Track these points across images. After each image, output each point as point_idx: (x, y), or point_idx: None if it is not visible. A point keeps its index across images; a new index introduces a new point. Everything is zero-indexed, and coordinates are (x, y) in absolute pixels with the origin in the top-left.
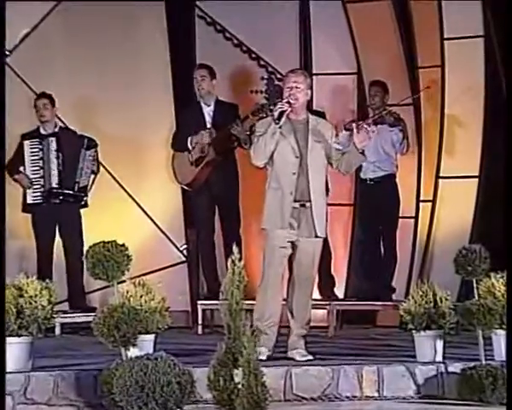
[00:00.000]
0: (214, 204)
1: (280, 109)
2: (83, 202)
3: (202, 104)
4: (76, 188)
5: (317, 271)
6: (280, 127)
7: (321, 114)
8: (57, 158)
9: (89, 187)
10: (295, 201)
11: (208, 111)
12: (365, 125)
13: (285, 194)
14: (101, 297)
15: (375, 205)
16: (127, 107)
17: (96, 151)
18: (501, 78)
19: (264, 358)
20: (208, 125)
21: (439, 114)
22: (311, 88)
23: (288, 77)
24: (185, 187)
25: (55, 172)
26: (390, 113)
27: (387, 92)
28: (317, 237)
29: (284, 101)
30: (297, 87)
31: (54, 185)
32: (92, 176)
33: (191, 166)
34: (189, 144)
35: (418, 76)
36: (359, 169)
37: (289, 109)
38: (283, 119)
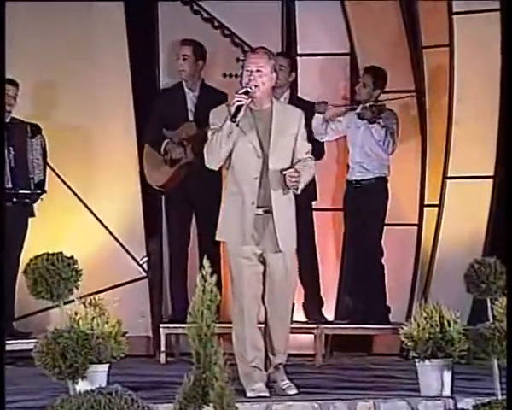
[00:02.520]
0: (191, 211)
1: (237, 103)
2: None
3: (185, 88)
4: (32, 185)
5: (294, 288)
6: (237, 125)
7: (309, 104)
8: (9, 153)
9: (44, 182)
10: (258, 207)
11: (192, 97)
12: (290, 174)
13: (246, 202)
14: (43, 320)
15: (361, 211)
16: (78, 95)
17: (41, 137)
18: None
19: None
20: (190, 116)
21: (446, 101)
22: (276, 70)
23: (247, 58)
24: (158, 189)
25: (6, 170)
26: (371, 106)
27: (380, 87)
28: (281, 251)
29: (241, 91)
30: (258, 70)
31: (6, 186)
32: (43, 167)
33: (165, 165)
34: (162, 149)
35: (422, 57)
36: (347, 170)
37: (248, 101)
38: (241, 114)
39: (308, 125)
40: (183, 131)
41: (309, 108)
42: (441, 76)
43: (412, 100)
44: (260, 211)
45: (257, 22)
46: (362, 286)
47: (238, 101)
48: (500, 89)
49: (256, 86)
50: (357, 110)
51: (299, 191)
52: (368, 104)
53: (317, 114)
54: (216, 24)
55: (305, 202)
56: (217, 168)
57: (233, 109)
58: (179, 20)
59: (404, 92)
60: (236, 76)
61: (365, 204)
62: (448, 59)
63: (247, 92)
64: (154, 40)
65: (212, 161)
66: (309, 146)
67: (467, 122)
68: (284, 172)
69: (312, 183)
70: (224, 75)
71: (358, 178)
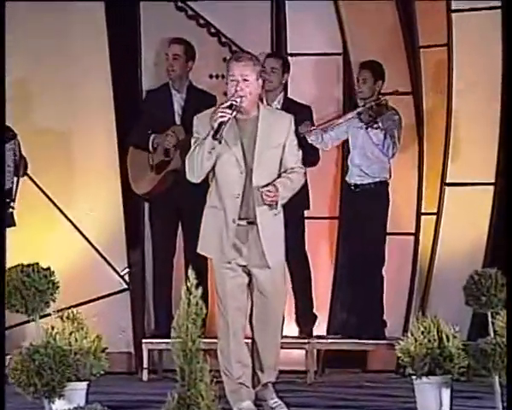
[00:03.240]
0: (177, 219)
1: (220, 119)
2: (9, 211)
3: (172, 90)
4: None
5: (284, 303)
6: (220, 142)
7: (305, 108)
8: None
9: (14, 190)
10: (240, 219)
11: (179, 99)
12: (266, 192)
13: (227, 219)
14: (17, 336)
15: (359, 218)
16: (56, 97)
17: (16, 143)
18: None
19: None
20: (177, 119)
21: (445, 103)
22: (261, 76)
23: (230, 66)
24: (143, 197)
25: None
26: (371, 108)
27: (380, 77)
28: (268, 267)
29: (224, 105)
30: (245, 80)
31: None
32: (13, 174)
33: (151, 171)
34: (150, 145)
35: (419, 57)
36: (346, 172)
37: (233, 115)
38: (225, 130)
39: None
40: (171, 137)
41: (305, 112)
42: (439, 77)
43: (409, 101)
44: (243, 222)
45: (245, 20)
46: (357, 298)
47: (221, 116)
48: (501, 90)
49: (242, 96)
50: (358, 109)
51: (279, 207)
52: (367, 105)
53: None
54: (201, 22)
55: (296, 211)
56: (198, 182)
57: (215, 125)
58: (162, 18)
59: (401, 94)
60: (223, 77)
61: (364, 209)
62: (446, 59)
63: (231, 106)
64: (135, 39)
65: (192, 176)
66: (299, 154)
67: (467, 125)
68: (261, 190)
69: (304, 191)
70: (211, 76)
71: (357, 182)
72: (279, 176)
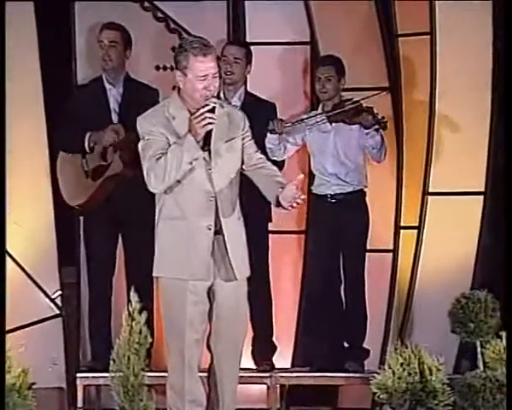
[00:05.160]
0: (117, 233)
1: (209, 126)
2: None
3: (106, 84)
4: None
5: (246, 324)
6: (205, 151)
7: (267, 105)
8: None
9: None
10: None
11: (115, 94)
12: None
13: (193, 228)
14: None
15: (335, 232)
16: None
17: None
18: None
19: None
20: (114, 117)
21: (427, 101)
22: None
23: (198, 61)
24: (77, 209)
25: None
26: (364, 109)
27: (343, 74)
28: (236, 279)
29: (206, 109)
30: (215, 76)
31: None
32: None
33: (86, 178)
34: (86, 145)
35: (398, 47)
36: (311, 182)
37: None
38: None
39: (262, 129)
40: (109, 136)
41: (269, 110)
42: (420, 70)
43: (386, 98)
44: (211, 232)
45: (197, 5)
46: (330, 324)
47: (210, 123)
48: (492, 85)
49: (212, 90)
50: (334, 112)
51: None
52: (347, 108)
53: (269, 135)
54: (146, 5)
55: (258, 223)
56: (162, 192)
57: (203, 133)
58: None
59: (376, 90)
60: (172, 68)
61: (343, 222)
62: (429, 49)
63: (213, 109)
64: (68, 24)
65: (160, 185)
66: (258, 151)
67: (452, 125)
68: (296, 198)
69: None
70: (158, 68)
71: (334, 192)
72: (241, 174)
